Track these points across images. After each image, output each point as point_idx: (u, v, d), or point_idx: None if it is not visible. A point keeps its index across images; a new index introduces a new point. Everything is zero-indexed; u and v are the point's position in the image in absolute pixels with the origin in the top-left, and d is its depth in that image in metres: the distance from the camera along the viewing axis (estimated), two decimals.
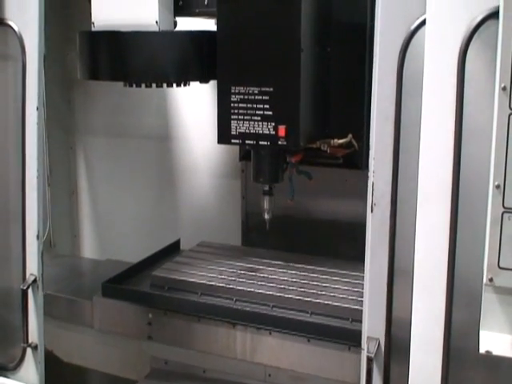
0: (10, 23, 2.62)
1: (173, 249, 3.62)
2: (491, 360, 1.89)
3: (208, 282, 3.02)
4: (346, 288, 2.91)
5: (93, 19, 2.96)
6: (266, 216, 2.98)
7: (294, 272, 3.10)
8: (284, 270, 3.13)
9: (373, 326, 2.14)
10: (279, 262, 3.22)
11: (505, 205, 1.65)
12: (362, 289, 2.77)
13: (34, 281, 2.67)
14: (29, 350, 2.75)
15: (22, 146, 2.64)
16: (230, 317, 2.90)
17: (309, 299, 2.83)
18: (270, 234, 3.17)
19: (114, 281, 3.20)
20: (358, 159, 2.83)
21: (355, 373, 2.57)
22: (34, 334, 2.73)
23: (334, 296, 2.84)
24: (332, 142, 2.78)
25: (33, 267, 2.68)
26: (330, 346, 2.71)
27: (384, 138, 2.06)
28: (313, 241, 3.38)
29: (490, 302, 1.73)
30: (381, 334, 2.14)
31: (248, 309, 2.87)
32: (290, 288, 2.93)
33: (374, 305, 2.14)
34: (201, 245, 3.54)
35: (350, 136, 2.76)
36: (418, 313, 1.98)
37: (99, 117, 4.00)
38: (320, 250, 3.29)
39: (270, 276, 3.08)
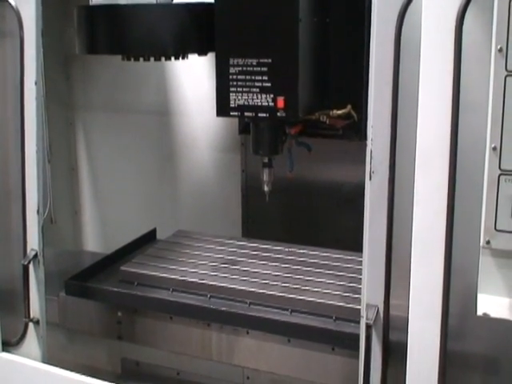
0: None
1: (148, 238, 3.48)
2: (490, 324, 1.92)
3: (180, 277, 2.92)
4: (330, 282, 2.84)
5: None
6: (266, 188, 2.95)
7: (276, 264, 3.03)
8: (266, 263, 3.06)
9: (371, 294, 2.15)
10: (261, 254, 3.16)
11: (501, 167, 1.66)
12: (348, 282, 2.80)
13: (35, 256, 2.68)
14: (31, 325, 2.77)
15: (21, 121, 2.65)
16: (203, 316, 2.80)
17: (290, 296, 2.73)
18: (270, 206, 3.13)
19: (79, 277, 3.05)
20: (357, 130, 2.81)
21: (339, 375, 2.60)
22: (35, 309, 2.74)
23: (317, 291, 2.76)
24: (331, 112, 2.76)
25: (33, 242, 2.69)
26: (312, 346, 2.63)
27: (382, 104, 2.05)
28: (313, 212, 3.41)
29: (487, 265, 1.75)
30: (379, 301, 2.14)
31: (223, 308, 2.75)
32: (271, 283, 2.84)
33: (372, 272, 2.14)
34: (177, 235, 3.44)
35: (349, 107, 2.73)
36: (417, 279, 1.98)
37: (98, 92, 4.04)
38: (320, 221, 3.32)
39: (248, 269, 2.99)
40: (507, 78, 1.62)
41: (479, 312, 1.74)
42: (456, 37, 1.83)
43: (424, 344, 2.00)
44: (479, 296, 1.76)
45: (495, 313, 1.72)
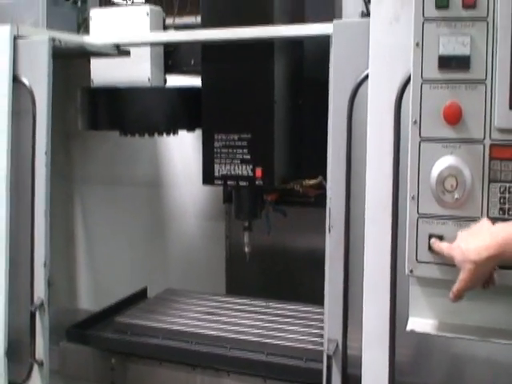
0: (23, 79, 2.98)
1: (140, 296, 3.95)
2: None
3: (169, 327, 3.35)
4: (301, 330, 3.27)
5: (92, 77, 3.50)
6: (247, 249, 3.40)
7: (254, 316, 3.48)
8: (245, 314, 3.50)
9: (332, 329, 2.60)
10: (241, 307, 3.61)
11: (419, 211, 2.14)
12: (317, 329, 3.22)
13: (41, 304, 3.00)
14: (35, 366, 3.05)
15: (32, 184, 2.95)
16: (188, 358, 3.18)
17: (266, 341, 3.15)
18: (251, 268, 3.64)
19: (78, 326, 3.48)
20: None
21: None
22: (40, 352, 3.03)
23: (289, 337, 3.18)
24: (304, 182, 3.23)
25: (40, 292, 3.00)
26: None
27: (338, 171, 2.56)
28: (289, 273, 3.85)
29: (414, 292, 2.20)
30: (339, 335, 2.59)
31: (205, 350, 3.16)
32: (250, 331, 3.27)
33: (332, 311, 2.60)
34: (166, 292, 3.93)
35: (320, 177, 3.19)
36: (368, 314, 2.45)
37: (96, 166, 4.44)
38: (296, 280, 3.76)
39: (230, 320, 3.42)
40: (421, 143, 2.13)
41: (408, 329, 2.20)
42: (395, 114, 2.36)
43: (375, 371, 2.45)
44: (410, 318, 2.22)
45: (420, 329, 2.19)
